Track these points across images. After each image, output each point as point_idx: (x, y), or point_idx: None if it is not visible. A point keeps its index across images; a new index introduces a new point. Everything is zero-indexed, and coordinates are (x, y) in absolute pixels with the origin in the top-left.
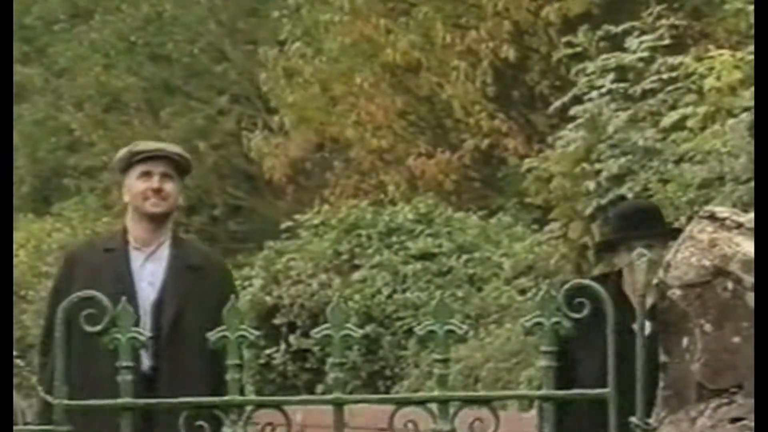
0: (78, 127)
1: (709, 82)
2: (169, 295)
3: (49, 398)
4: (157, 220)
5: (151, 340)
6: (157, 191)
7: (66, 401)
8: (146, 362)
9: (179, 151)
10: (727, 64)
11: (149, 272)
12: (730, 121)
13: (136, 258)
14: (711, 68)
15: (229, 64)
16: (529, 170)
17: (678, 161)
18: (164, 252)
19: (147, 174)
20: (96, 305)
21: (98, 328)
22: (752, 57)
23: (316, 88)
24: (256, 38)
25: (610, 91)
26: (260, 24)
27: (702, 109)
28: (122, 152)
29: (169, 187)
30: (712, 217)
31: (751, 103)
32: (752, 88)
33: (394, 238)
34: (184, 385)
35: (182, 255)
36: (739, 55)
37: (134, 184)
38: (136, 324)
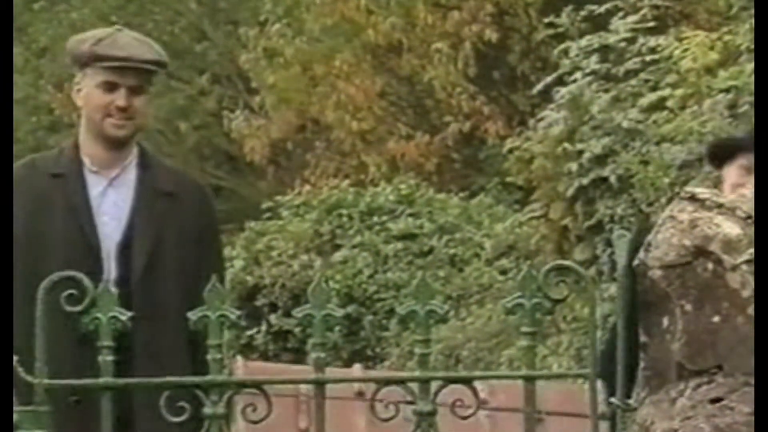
0: (58, 107)
1: (685, 63)
2: (139, 233)
3: (29, 378)
4: (120, 141)
5: (118, 291)
6: (123, 109)
7: (47, 381)
8: None
9: (152, 56)
10: (702, 46)
11: (112, 203)
12: (708, 102)
13: (95, 184)
14: (686, 50)
15: (209, 43)
16: (510, 151)
17: (659, 142)
18: (130, 176)
19: (111, 85)
20: (76, 285)
21: (78, 308)
22: (728, 37)
23: (296, 68)
24: (237, 18)
25: (593, 72)
26: (241, 3)
27: (680, 92)
28: (80, 44)
29: (138, 102)
30: (693, 198)
31: (728, 84)
32: (730, 69)
33: (375, 219)
34: (160, 350)
35: (152, 179)
36: (713, 36)
37: (93, 93)
38: (99, 271)
